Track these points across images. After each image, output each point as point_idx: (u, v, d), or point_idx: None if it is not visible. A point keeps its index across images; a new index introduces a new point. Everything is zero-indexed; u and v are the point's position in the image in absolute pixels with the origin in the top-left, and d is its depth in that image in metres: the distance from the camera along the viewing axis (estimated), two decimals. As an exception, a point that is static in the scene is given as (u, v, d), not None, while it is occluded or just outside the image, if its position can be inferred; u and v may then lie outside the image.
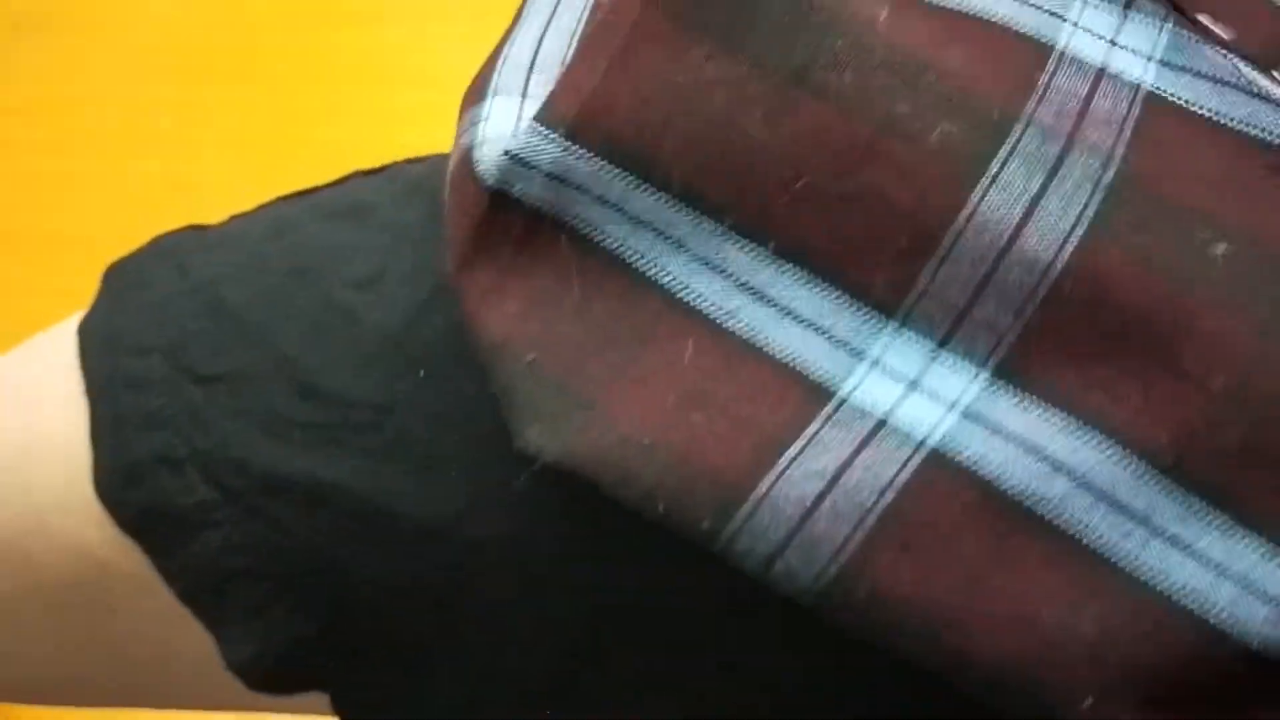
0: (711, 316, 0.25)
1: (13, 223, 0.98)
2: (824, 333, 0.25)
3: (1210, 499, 0.23)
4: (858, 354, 0.25)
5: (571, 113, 0.26)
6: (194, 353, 0.33)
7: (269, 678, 0.33)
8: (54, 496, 0.35)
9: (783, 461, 0.24)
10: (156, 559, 0.33)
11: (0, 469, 0.36)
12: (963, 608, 0.23)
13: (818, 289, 0.25)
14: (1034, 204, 0.24)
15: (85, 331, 0.36)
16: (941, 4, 0.26)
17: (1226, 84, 0.25)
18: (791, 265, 0.25)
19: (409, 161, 0.36)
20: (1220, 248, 0.23)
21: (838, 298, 0.25)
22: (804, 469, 0.24)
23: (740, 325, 0.25)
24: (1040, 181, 0.24)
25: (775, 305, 0.25)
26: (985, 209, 0.24)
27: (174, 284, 0.35)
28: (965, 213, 0.24)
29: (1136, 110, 0.25)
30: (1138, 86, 0.25)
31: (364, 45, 0.96)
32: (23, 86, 1.03)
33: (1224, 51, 0.25)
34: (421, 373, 0.30)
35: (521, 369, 0.26)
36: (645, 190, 0.26)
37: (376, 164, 0.97)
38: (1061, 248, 0.24)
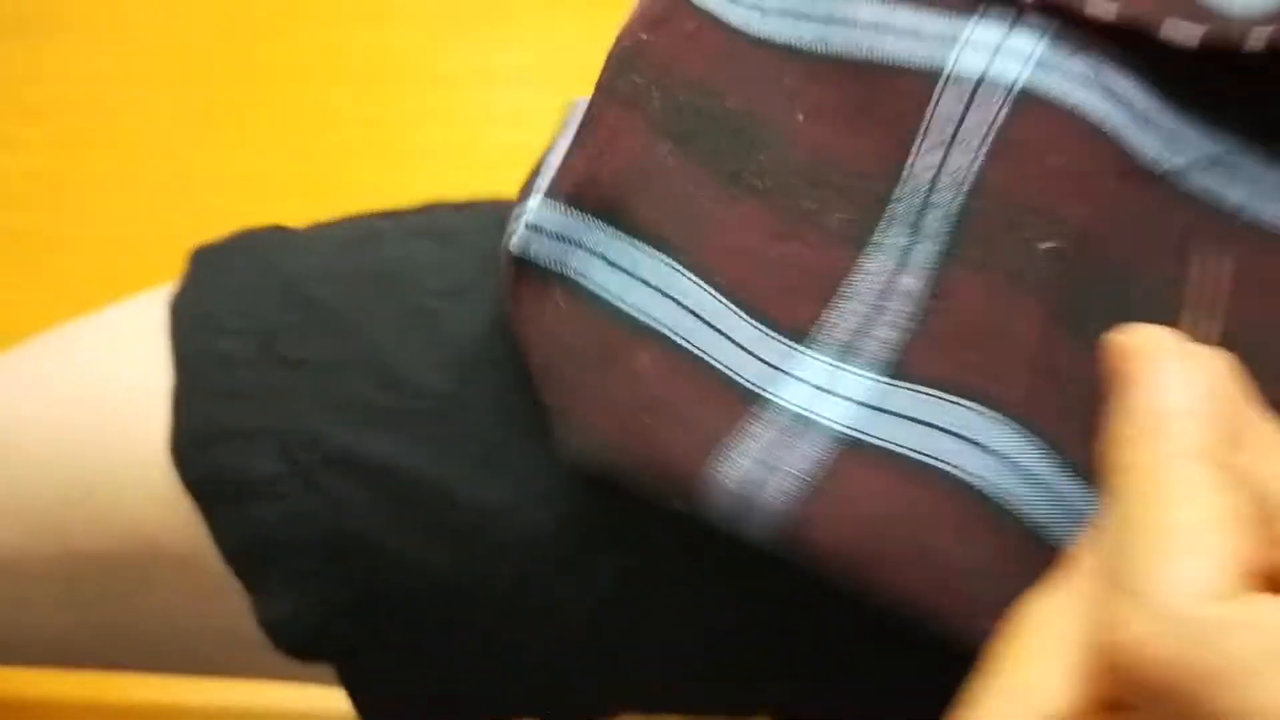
0: (663, 333, 0.32)
1: (13, 223, 0.98)
2: (754, 354, 0.32)
3: (1057, 445, 0.29)
4: (779, 370, 0.32)
5: (569, 186, 0.33)
6: (283, 339, 0.36)
7: (296, 641, 0.36)
8: (112, 471, 0.37)
9: (721, 452, 0.30)
10: (212, 519, 0.35)
11: (59, 439, 0.38)
12: (875, 550, 0.29)
13: (750, 321, 0.32)
14: (906, 254, 0.32)
15: (178, 309, 0.39)
16: (850, 57, 0.33)
17: (1095, 84, 0.31)
18: (731, 302, 0.32)
19: (498, 202, 0.40)
20: (1046, 244, 0.30)
21: (765, 329, 0.32)
22: (740, 457, 0.30)
23: (686, 341, 0.32)
24: (909, 237, 0.32)
25: (718, 330, 0.32)
26: (871, 266, 0.32)
27: (263, 276, 0.38)
28: (858, 272, 0.32)
29: (1005, 111, 0.31)
30: (1012, 86, 0.32)
31: (367, 46, 0.96)
32: (23, 86, 1.03)
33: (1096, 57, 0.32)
34: (494, 375, 0.35)
35: (546, 396, 0.33)
36: (621, 239, 0.33)
37: (379, 165, 0.97)
38: (926, 278, 0.31)
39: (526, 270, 0.34)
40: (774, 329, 0.32)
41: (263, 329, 0.37)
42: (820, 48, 0.34)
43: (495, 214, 0.38)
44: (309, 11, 0.97)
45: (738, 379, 0.31)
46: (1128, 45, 0.32)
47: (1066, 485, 0.29)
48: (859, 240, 0.32)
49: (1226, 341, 0.25)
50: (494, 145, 0.88)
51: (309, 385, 0.35)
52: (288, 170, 0.93)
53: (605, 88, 0.35)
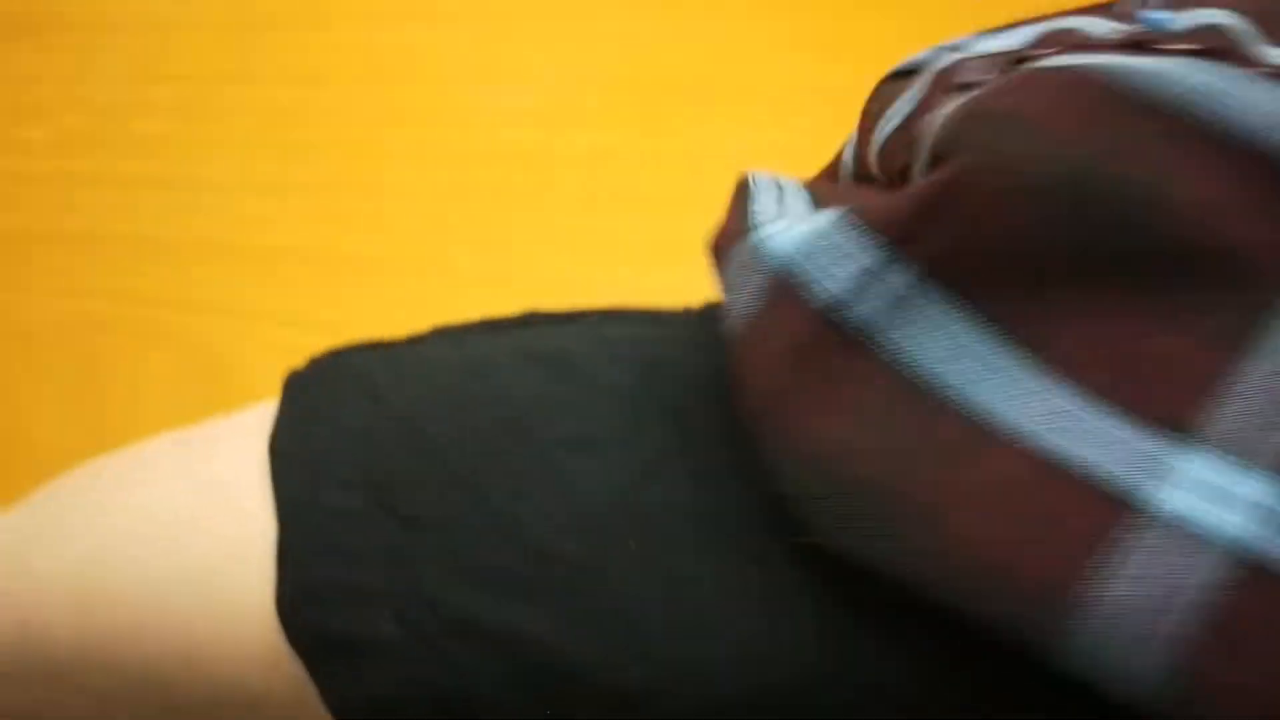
0: (1021, 431, 0.28)
1: (13, 223, 0.98)
2: (1126, 446, 0.27)
3: None
4: (1159, 462, 0.27)
5: (933, 247, 0.29)
6: (398, 491, 0.34)
7: None
8: (213, 632, 0.35)
9: (1099, 566, 0.26)
10: (322, 679, 0.34)
11: (157, 593, 0.36)
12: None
13: (1122, 416, 0.28)
14: None
15: (279, 453, 0.36)
16: (1249, 128, 0.28)
17: None
18: (1098, 399, 0.28)
19: (601, 316, 0.38)
20: None
21: (1138, 425, 0.27)
22: (1123, 570, 0.26)
23: (1045, 441, 0.27)
24: None
25: (1082, 429, 0.28)
26: (1255, 374, 0.27)
27: (371, 412, 0.36)
28: (1237, 371, 0.27)
29: None
30: None
31: (367, 46, 0.96)
32: (22, 87, 1.03)
33: None
34: (633, 544, 0.31)
35: (851, 484, 0.28)
36: (964, 317, 0.29)
37: (376, 166, 0.96)
38: None
39: (829, 327, 0.29)
40: (1147, 423, 0.27)
41: (373, 480, 0.34)
42: (1213, 112, 0.29)
43: (609, 336, 0.36)
44: (309, 12, 0.97)
45: (1116, 481, 0.27)
46: None
47: None
48: (1238, 345, 0.28)
49: None
50: (494, 145, 0.88)
51: (426, 545, 0.33)
52: (287, 170, 0.93)
53: (963, 145, 0.30)
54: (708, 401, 0.33)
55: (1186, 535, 0.26)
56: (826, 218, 0.30)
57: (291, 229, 0.90)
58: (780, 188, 0.35)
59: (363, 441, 0.35)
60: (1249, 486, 0.26)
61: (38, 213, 0.98)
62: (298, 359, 0.44)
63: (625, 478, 0.32)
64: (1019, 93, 0.30)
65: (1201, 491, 0.26)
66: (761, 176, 0.35)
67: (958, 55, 0.36)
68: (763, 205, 0.33)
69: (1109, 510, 0.26)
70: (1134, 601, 0.25)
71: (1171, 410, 0.27)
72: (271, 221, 0.91)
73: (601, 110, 0.86)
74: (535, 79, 0.90)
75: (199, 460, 0.38)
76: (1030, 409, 0.28)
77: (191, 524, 0.36)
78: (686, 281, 0.38)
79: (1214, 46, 0.31)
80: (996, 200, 0.29)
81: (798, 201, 0.34)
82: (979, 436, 0.28)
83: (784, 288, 0.30)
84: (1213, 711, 0.25)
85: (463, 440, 0.34)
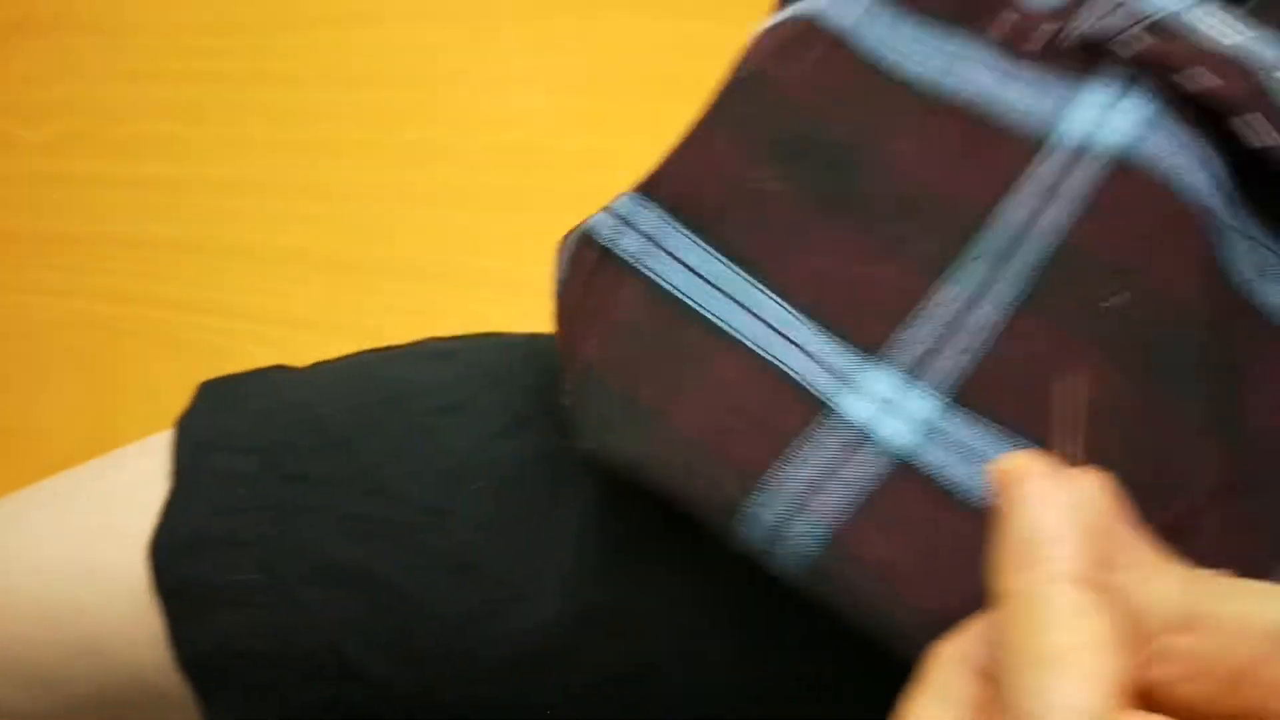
0: (743, 342, 0.33)
1: (13, 223, 0.98)
2: (824, 365, 0.33)
3: None
4: (847, 381, 0.32)
5: (667, 193, 0.35)
6: (286, 456, 0.37)
7: None
8: (109, 620, 0.37)
9: (790, 457, 0.31)
10: (174, 624, 0.36)
11: (57, 591, 0.38)
12: (916, 570, 0.30)
13: (824, 335, 0.33)
14: (984, 290, 0.32)
15: (183, 429, 0.39)
16: (967, 101, 0.35)
17: (1194, 154, 0.32)
18: (808, 318, 0.33)
19: (481, 334, 0.42)
20: (1114, 299, 0.31)
21: (838, 342, 0.33)
22: (806, 463, 0.31)
23: (764, 351, 0.33)
24: (990, 273, 0.33)
25: (790, 340, 0.33)
26: (947, 295, 0.33)
27: (273, 401, 0.40)
28: (934, 299, 0.33)
29: (1104, 172, 0.33)
30: (1114, 148, 0.33)
31: (366, 46, 0.96)
32: (23, 87, 1.03)
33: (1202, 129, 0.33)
34: (482, 488, 0.36)
35: (600, 388, 0.34)
36: (707, 251, 0.35)
37: (375, 164, 0.97)
38: (1004, 314, 0.32)
39: (606, 260, 0.35)
40: (847, 342, 0.33)
41: (264, 447, 0.38)
42: (940, 86, 0.35)
43: (488, 338, 0.40)
44: (309, 12, 0.98)
45: (809, 387, 0.32)
46: (1224, 130, 0.33)
47: None
48: (940, 270, 0.33)
49: None
50: (494, 146, 0.89)
51: (302, 499, 0.36)
52: (288, 171, 0.93)
53: (717, 109, 0.36)
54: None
55: (854, 435, 0.31)
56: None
57: (292, 229, 0.90)
58: None
59: (261, 419, 0.39)
60: (915, 401, 0.32)
61: (38, 213, 0.98)
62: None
63: (484, 433, 0.37)
64: (775, 58, 0.36)
65: (877, 402, 0.32)
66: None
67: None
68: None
69: (803, 412, 0.32)
70: (796, 482, 0.31)
71: (868, 330, 0.33)
72: (272, 222, 0.91)
73: (603, 113, 0.86)
74: (536, 81, 0.90)
75: (113, 468, 0.41)
76: (753, 323, 0.33)
77: (99, 525, 0.38)
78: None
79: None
80: (730, 152, 0.35)
81: None
82: (709, 344, 0.33)
83: (582, 246, 0.35)
84: (858, 577, 0.30)
85: (348, 414, 0.38)
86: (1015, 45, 0.35)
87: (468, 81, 0.93)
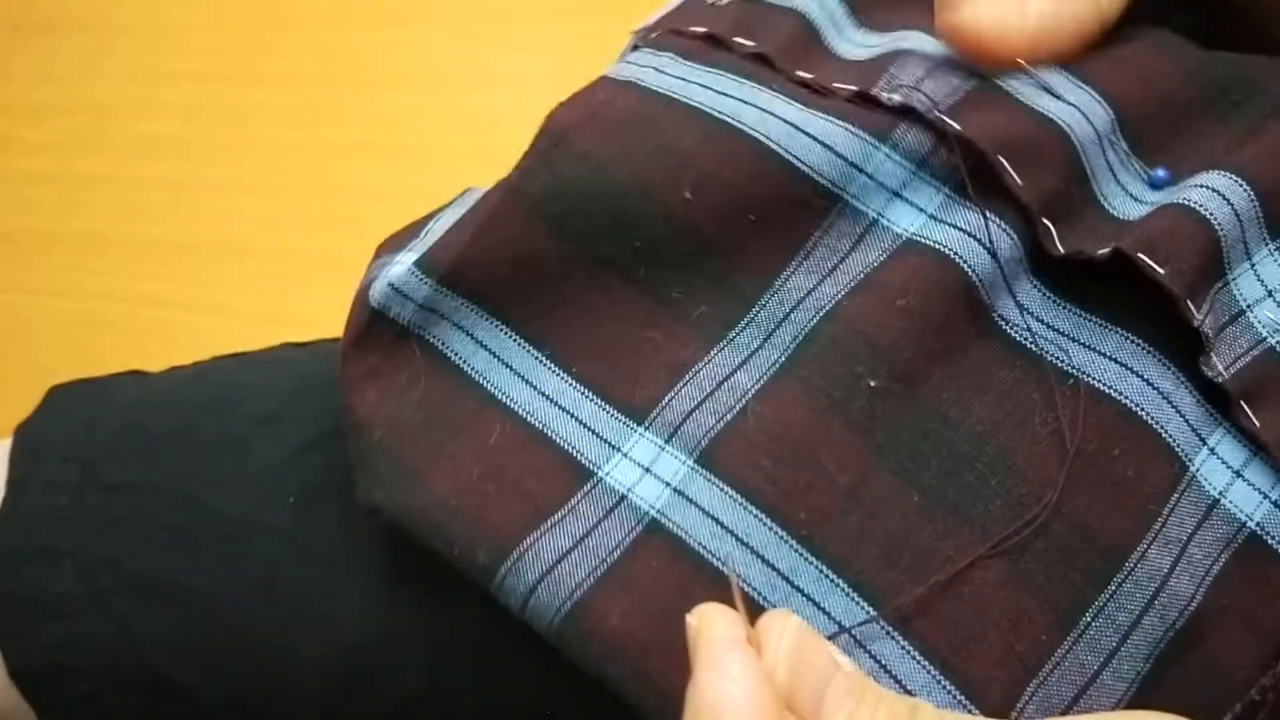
0: (517, 411, 0.34)
1: (13, 223, 0.98)
2: (593, 431, 0.33)
3: (836, 570, 0.30)
4: (615, 448, 0.33)
5: (444, 266, 0.35)
6: (104, 465, 0.37)
7: None
8: None
9: (545, 525, 0.32)
10: (4, 639, 0.36)
11: None
12: (655, 640, 0.30)
13: (596, 401, 0.33)
14: (749, 357, 0.33)
15: (20, 436, 0.40)
16: (758, 139, 0.33)
17: (978, 237, 0.32)
18: (582, 385, 0.34)
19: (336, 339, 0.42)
20: (871, 382, 0.31)
21: (608, 408, 0.33)
22: (560, 531, 0.32)
23: (535, 420, 0.33)
24: (759, 343, 0.33)
25: (563, 409, 0.33)
26: (718, 360, 0.33)
27: (102, 406, 0.40)
28: (704, 360, 0.33)
29: (884, 256, 0.33)
30: (900, 235, 0.33)
31: (367, 47, 0.96)
32: (23, 87, 1.03)
33: (986, 212, 0.32)
34: (291, 499, 0.36)
35: (372, 444, 0.34)
36: (489, 322, 0.35)
37: (376, 165, 0.96)
38: (758, 380, 0.32)
39: (380, 324, 0.35)
40: (616, 408, 0.33)
41: (87, 456, 0.38)
42: (731, 120, 0.34)
43: (328, 344, 0.39)
44: (309, 12, 0.98)
45: (577, 456, 0.33)
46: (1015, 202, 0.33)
47: (839, 604, 0.30)
48: (715, 335, 0.33)
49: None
50: (494, 146, 0.88)
51: (117, 509, 0.37)
52: (287, 171, 0.93)
53: (509, 176, 0.36)
54: None
55: (612, 502, 0.32)
56: None
57: (292, 229, 0.90)
58: None
59: (87, 428, 0.39)
60: (667, 463, 0.32)
61: (38, 213, 0.98)
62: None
63: (295, 444, 0.37)
64: (567, 109, 0.36)
65: (634, 469, 0.32)
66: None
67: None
68: (421, 239, 0.38)
69: (566, 480, 0.32)
70: (547, 552, 0.31)
71: (635, 395, 0.33)
72: (272, 222, 0.91)
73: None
74: (536, 81, 0.90)
75: None
76: (528, 393, 0.34)
77: None
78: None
79: (766, 52, 0.36)
80: (511, 224, 0.34)
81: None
82: (482, 413, 0.33)
83: (360, 304, 0.36)
84: (596, 647, 0.30)
85: (168, 421, 0.38)
86: (817, 95, 0.34)
87: (468, 82, 0.93)
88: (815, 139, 0.33)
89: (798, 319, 0.33)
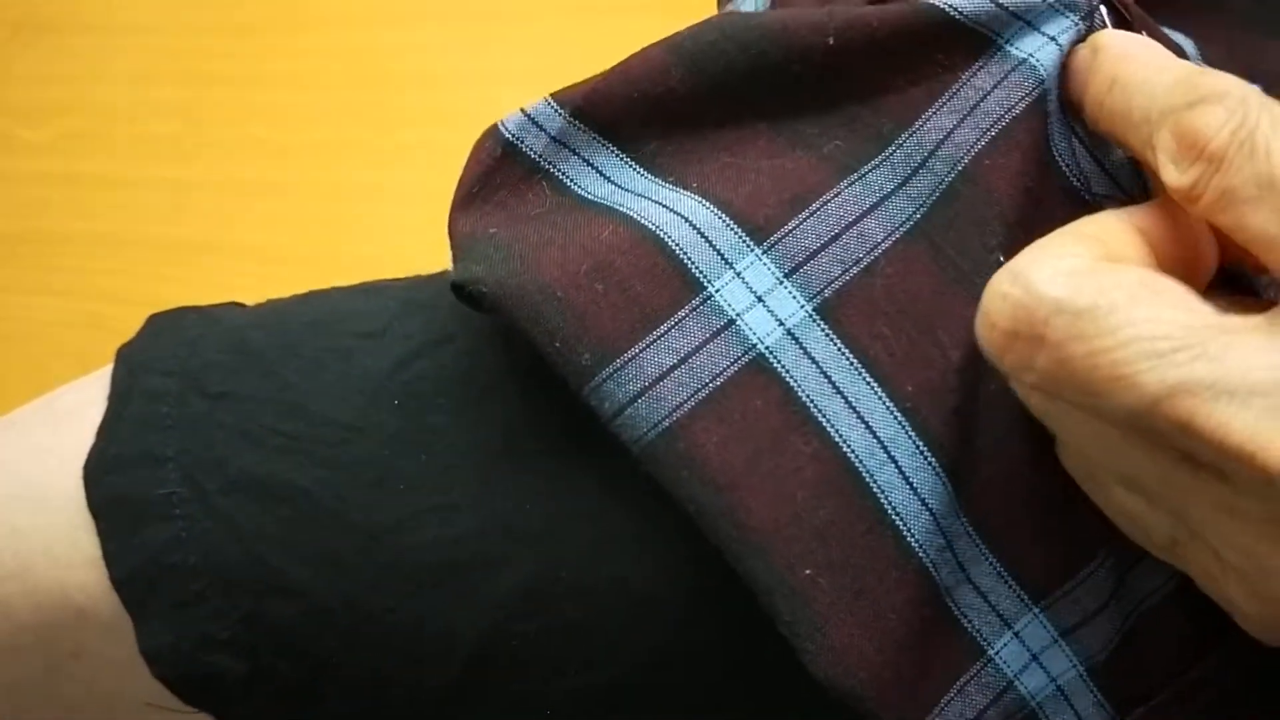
0: (631, 214, 0.33)
1: (13, 223, 0.98)
2: (707, 239, 0.33)
3: (933, 450, 0.31)
4: (729, 264, 0.32)
5: (579, 98, 0.35)
6: (207, 377, 0.38)
7: (174, 671, 0.36)
8: (45, 541, 0.37)
9: (651, 336, 0.32)
10: (106, 542, 0.36)
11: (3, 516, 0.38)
12: (745, 476, 0.30)
13: (715, 211, 0.33)
14: (881, 201, 0.32)
15: (121, 356, 0.40)
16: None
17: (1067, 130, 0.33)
18: (701, 196, 0.33)
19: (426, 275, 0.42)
20: (1000, 257, 0.31)
21: (727, 221, 0.33)
22: (665, 346, 0.32)
23: (649, 222, 0.33)
24: (893, 186, 0.33)
25: (678, 214, 0.33)
26: (847, 195, 0.33)
27: (206, 327, 0.40)
28: (833, 192, 0.33)
29: (1023, 107, 0.33)
30: (1043, 81, 0.33)
31: (367, 46, 0.96)
32: (23, 87, 1.03)
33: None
34: (396, 406, 0.36)
35: (484, 236, 0.34)
36: (617, 156, 0.35)
37: (376, 165, 0.97)
38: (890, 234, 0.32)
39: (511, 158, 0.36)
40: (734, 220, 0.33)
41: (190, 369, 0.38)
42: None
43: (433, 276, 0.40)
44: (310, 13, 0.98)
45: (688, 263, 0.32)
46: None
47: (927, 481, 0.31)
48: (846, 168, 0.33)
49: None
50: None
51: (221, 415, 0.37)
52: (287, 170, 0.93)
53: (655, 46, 0.37)
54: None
55: (720, 324, 0.32)
56: None
57: (292, 230, 0.90)
58: None
59: (189, 346, 0.39)
60: (784, 302, 0.32)
61: (38, 213, 0.98)
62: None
63: (402, 354, 0.37)
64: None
65: (746, 294, 0.32)
66: None
67: None
68: None
69: (675, 289, 0.32)
70: (650, 366, 0.31)
71: (761, 211, 0.32)
72: (272, 222, 0.91)
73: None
74: (536, 80, 0.90)
75: (58, 396, 0.41)
76: (642, 201, 0.34)
77: (38, 449, 0.39)
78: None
79: None
80: (639, 58, 0.35)
81: None
82: (597, 217, 0.34)
83: (491, 139, 0.37)
84: (687, 470, 0.31)
85: (272, 338, 0.39)
86: None
87: (468, 82, 0.93)
88: None
89: (936, 169, 0.33)
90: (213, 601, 0.36)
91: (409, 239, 0.89)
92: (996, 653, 0.31)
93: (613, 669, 0.35)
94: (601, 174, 0.35)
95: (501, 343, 0.36)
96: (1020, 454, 0.31)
